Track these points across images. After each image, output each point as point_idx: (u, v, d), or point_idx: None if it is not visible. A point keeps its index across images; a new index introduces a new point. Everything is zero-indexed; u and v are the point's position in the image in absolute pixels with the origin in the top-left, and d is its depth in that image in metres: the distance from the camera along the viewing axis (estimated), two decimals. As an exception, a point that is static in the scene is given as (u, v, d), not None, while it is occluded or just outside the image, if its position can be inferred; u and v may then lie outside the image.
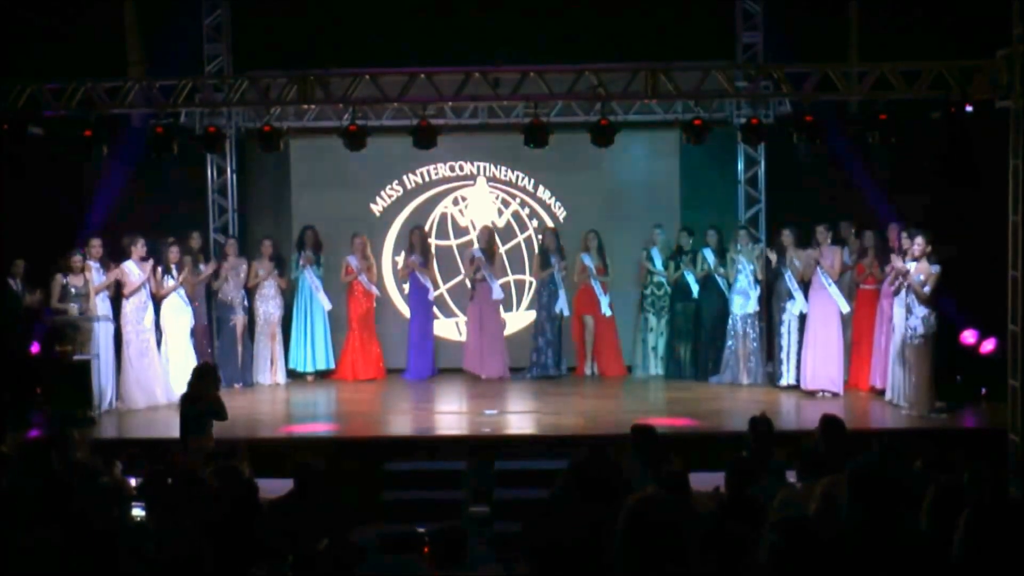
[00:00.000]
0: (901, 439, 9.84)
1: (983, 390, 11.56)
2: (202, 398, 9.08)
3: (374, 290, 13.77)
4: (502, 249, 14.16)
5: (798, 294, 12.25)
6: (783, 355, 12.45)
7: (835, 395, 11.89)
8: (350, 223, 13.93)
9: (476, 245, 13.71)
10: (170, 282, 12.34)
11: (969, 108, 9.91)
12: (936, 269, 10.74)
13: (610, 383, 13.44)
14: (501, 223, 14.31)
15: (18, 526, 5.21)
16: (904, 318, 10.94)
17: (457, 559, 5.51)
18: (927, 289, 10.70)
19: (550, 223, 14.12)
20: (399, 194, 14.35)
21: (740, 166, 14.08)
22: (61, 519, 5.28)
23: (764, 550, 3.52)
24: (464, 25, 13.22)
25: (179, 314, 12.47)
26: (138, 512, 6.36)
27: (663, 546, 3.35)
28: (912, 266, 10.82)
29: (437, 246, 14.21)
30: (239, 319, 13.40)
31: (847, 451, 6.66)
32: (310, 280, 13.60)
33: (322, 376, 13.76)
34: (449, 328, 14.30)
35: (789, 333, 12.38)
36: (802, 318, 12.25)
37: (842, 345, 12.08)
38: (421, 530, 7.49)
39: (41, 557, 4.69)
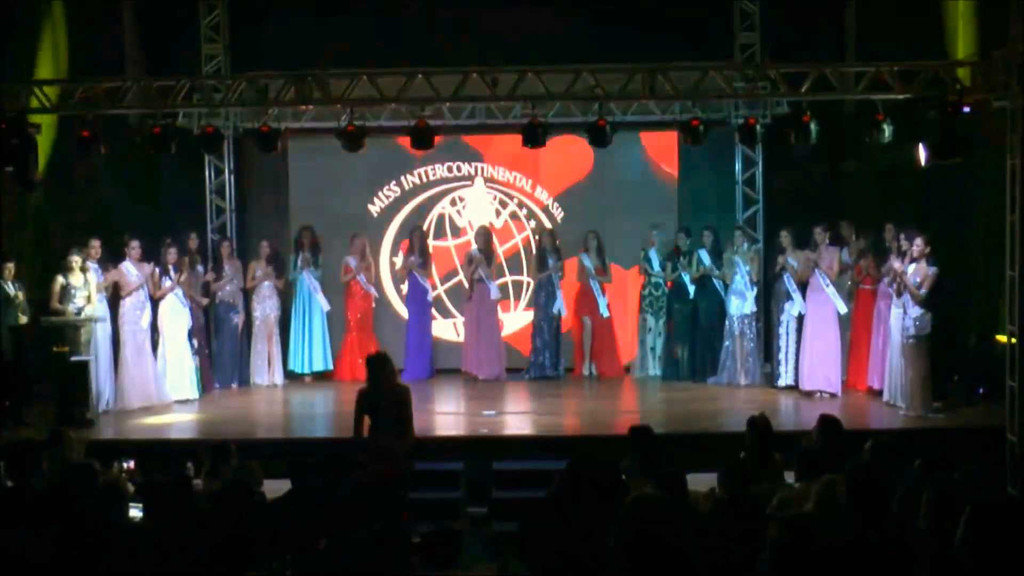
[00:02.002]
0: (897, 439, 9.87)
1: (980, 390, 11.57)
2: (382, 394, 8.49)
3: (372, 291, 13.77)
4: (500, 250, 14.16)
5: (796, 295, 12.24)
6: (781, 356, 12.46)
7: (833, 395, 11.89)
8: (348, 224, 13.93)
9: (474, 246, 13.71)
10: (168, 283, 12.33)
11: (966, 108, 9.91)
12: (933, 271, 10.74)
13: (608, 384, 13.44)
14: (499, 224, 14.32)
15: (15, 526, 5.20)
16: (900, 318, 10.95)
17: (452, 560, 5.51)
18: (923, 291, 10.70)
19: (547, 224, 14.13)
20: (397, 195, 14.35)
21: (738, 167, 14.10)
22: (59, 519, 5.28)
23: (765, 548, 3.51)
24: (461, 25, 13.22)
25: (177, 315, 12.45)
26: (135, 513, 6.35)
27: (660, 546, 3.35)
28: (911, 268, 10.82)
29: (435, 247, 14.22)
30: (238, 319, 13.40)
31: (845, 451, 6.67)
32: (308, 282, 13.59)
33: (320, 377, 13.75)
34: (447, 329, 14.30)
35: (787, 334, 12.39)
36: (800, 319, 12.25)
37: (839, 346, 12.08)
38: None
39: (38, 557, 4.68)
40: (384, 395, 8.48)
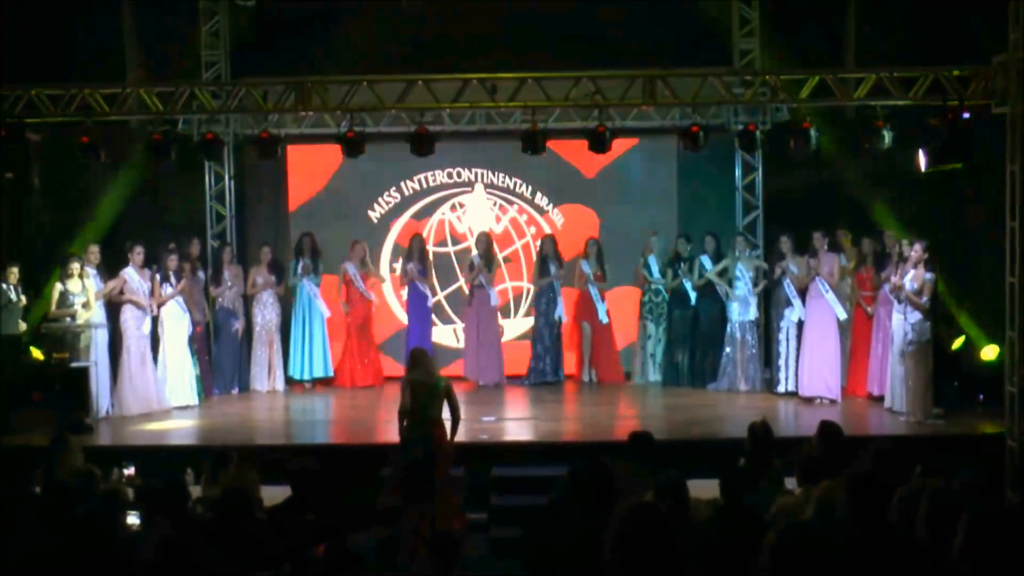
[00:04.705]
0: (897, 445, 9.85)
1: (980, 396, 11.56)
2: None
3: (372, 297, 13.75)
4: (500, 256, 14.15)
5: (796, 301, 12.24)
6: (781, 362, 12.44)
7: (833, 402, 11.88)
8: (348, 230, 13.93)
9: (474, 252, 13.71)
10: (168, 289, 12.32)
11: (966, 114, 9.92)
12: (930, 276, 10.73)
13: (608, 390, 13.42)
14: (499, 230, 14.31)
15: (14, 533, 5.20)
16: (901, 324, 10.94)
17: (451, 564, 5.51)
18: (924, 299, 10.67)
19: (547, 230, 14.13)
20: (397, 201, 14.35)
21: (738, 172, 14.09)
22: (58, 526, 5.27)
23: (763, 554, 3.51)
24: (461, 31, 13.23)
25: (177, 321, 12.45)
26: (134, 520, 6.34)
27: (655, 554, 3.35)
28: (909, 274, 10.81)
29: (435, 253, 14.21)
30: (238, 325, 13.40)
31: (844, 457, 6.67)
32: (309, 288, 13.58)
33: (320, 383, 13.74)
34: (447, 335, 14.29)
35: (787, 340, 12.37)
36: (800, 325, 12.24)
37: (839, 352, 12.07)
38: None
39: (37, 564, 4.67)
40: (431, 384, 8.99)
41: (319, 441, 11.20)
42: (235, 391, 13.40)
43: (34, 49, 11.91)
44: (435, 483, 8.51)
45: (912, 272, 10.79)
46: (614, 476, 4.89)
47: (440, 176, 14.29)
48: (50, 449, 7.71)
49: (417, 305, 13.76)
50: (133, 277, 12.07)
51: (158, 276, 12.27)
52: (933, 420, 10.77)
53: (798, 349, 12.23)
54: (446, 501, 8.69)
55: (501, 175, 14.30)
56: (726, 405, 12.15)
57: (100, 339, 11.77)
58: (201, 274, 13.19)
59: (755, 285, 12.81)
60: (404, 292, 13.93)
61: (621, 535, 3.37)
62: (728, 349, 12.95)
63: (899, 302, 10.97)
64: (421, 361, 9.17)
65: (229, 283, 13.36)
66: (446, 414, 9.05)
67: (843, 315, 12.05)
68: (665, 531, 3.34)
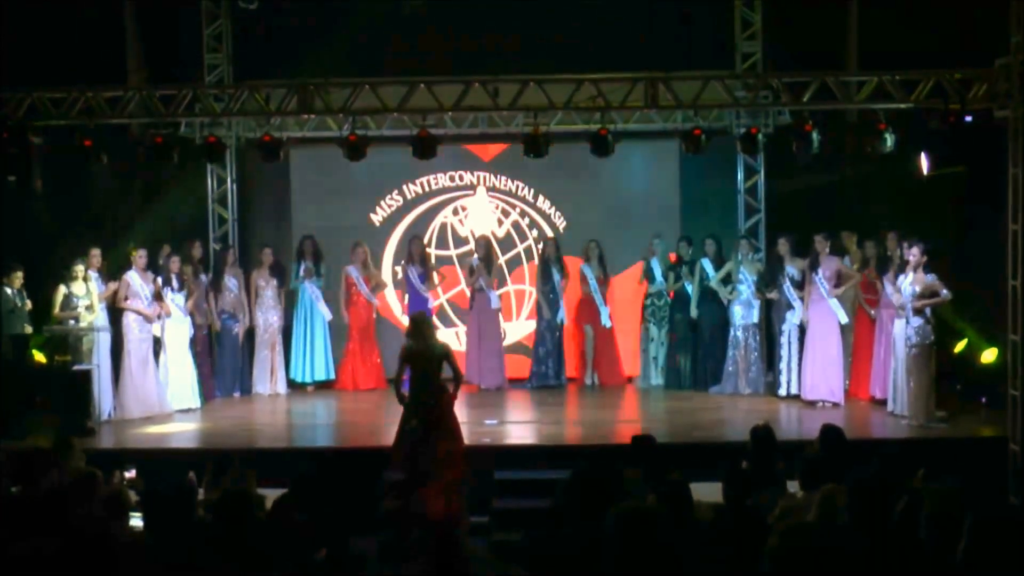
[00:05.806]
0: (901, 449, 9.86)
1: (983, 399, 11.55)
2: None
3: (374, 300, 13.75)
4: (502, 259, 14.15)
5: (797, 304, 12.23)
6: (783, 365, 12.42)
7: (835, 405, 11.86)
8: (350, 233, 13.93)
9: (475, 255, 13.71)
10: (170, 292, 12.31)
11: (968, 118, 9.92)
12: (931, 279, 10.71)
13: (610, 393, 13.41)
14: (501, 233, 14.31)
15: (14, 535, 5.19)
16: (903, 328, 10.93)
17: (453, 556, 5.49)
18: (945, 292, 10.61)
19: (550, 233, 14.12)
20: (399, 204, 14.35)
21: (740, 175, 14.10)
22: (59, 529, 5.27)
23: (765, 557, 3.51)
24: (463, 34, 13.24)
25: (178, 324, 12.45)
26: (136, 523, 6.33)
27: (649, 556, 3.35)
28: (909, 277, 10.79)
29: (437, 256, 14.20)
30: (239, 328, 13.39)
31: (847, 460, 6.66)
32: (310, 291, 13.58)
33: (322, 386, 13.73)
34: (449, 338, 14.26)
35: (789, 343, 12.36)
36: (802, 328, 12.23)
37: (841, 355, 12.06)
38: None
39: (37, 567, 4.67)
40: (428, 351, 9.09)
41: (321, 444, 11.18)
42: (237, 394, 13.39)
43: (36, 52, 11.91)
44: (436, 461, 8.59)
45: (911, 276, 10.77)
46: (620, 479, 4.89)
47: (442, 179, 14.29)
48: (54, 452, 7.70)
49: (418, 308, 13.71)
50: (135, 280, 12.06)
51: (159, 279, 12.26)
52: (936, 423, 10.75)
53: (800, 352, 12.22)
54: (447, 477, 8.69)
55: (503, 178, 14.30)
56: (728, 408, 12.14)
57: (103, 342, 11.77)
58: (204, 277, 13.19)
59: (758, 289, 12.79)
60: (406, 296, 13.90)
61: (614, 538, 3.37)
62: (731, 353, 12.93)
63: (902, 309, 10.94)
64: (421, 328, 9.22)
65: (232, 291, 13.33)
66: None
67: (845, 319, 12.04)
68: (658, 533, 3.34)
